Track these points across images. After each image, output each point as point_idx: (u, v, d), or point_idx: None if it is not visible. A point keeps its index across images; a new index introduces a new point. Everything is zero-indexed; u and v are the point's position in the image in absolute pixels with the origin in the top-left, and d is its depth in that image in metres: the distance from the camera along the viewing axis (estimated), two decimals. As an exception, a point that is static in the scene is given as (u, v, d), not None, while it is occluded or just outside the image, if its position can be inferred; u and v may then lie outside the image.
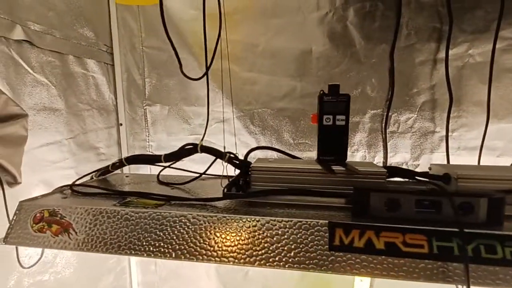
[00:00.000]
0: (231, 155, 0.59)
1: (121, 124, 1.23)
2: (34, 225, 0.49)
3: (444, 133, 1.02)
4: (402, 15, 0.99)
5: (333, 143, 0.55)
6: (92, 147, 1.11)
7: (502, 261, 0.38)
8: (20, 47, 0.83)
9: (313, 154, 1.13)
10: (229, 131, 1.16)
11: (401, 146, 1.07)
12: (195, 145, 0.62)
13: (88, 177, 0.81)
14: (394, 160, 1.09)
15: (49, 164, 0.94)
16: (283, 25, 1.07)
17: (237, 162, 0.59)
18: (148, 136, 1.25)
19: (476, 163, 0.98)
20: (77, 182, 0.67)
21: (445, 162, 1.03)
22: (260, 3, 1.07)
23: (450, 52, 0.97)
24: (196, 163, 0.88)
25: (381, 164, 1.09)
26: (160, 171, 0.74)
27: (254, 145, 1.16)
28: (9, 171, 0.76)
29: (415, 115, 1.04)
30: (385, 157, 1.08)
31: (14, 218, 0.52)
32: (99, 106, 1.14)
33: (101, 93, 1.15)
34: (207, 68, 0.62)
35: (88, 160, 1.10)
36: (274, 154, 1.09)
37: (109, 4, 1.15)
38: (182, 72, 0.60)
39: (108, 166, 0.72)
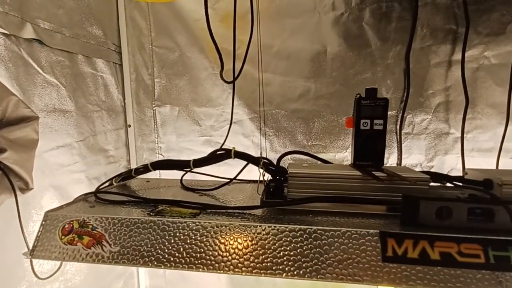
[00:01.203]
0: (266, 161, 0.57)
1: (129, 126, 1.20)
2: (63, 237, 0.46)
3: (458, 134, 1.02)
4: (418, 17, 0.98)
5: (370, 148, 0.53)
6: (101, 150, 1.08)
7: (560, 270, 0.37)
8: (30, 46, 0.79)
9: (327, 156, 1.12)
10: (243, 132, 1.14)
11: (415, 148, 1.07)
12: (228, 150, 0.60)
13: (106, 183, 0.78)
14: (409, 161, 1.09)
15: (59, 168, 0.91)
16: (298, 25, 1.05)
17: (273, 168, 0.57)
18: (157, 138, 1.22)
19: (490, 165, 0.99)
20: (98, 187, 0.64)
21: (459, 164, 1.04)
22: (275, 4, 1.05)
23: (466, 54, 0.97)
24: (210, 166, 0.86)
25: (395, 165, 1.09)
26: (183, 176, 0.71)
27: (268, 146, 1.14)
28: (21, 176, 0.73)
29: (430, 117, 1.04)
30: (400, 159, 1.08)
31: (41, 229, 0.49)
32: (108, 107, 1.10)
33: (110, 94, 1.11)
34: (238, 74, 0.60)
35: (98, 163, 1.06)
36: (291, 157, 1.07)
37: (117, 2, 1.11)
38: (221, 75, 0.57)
39: (130, 170, 0.69)
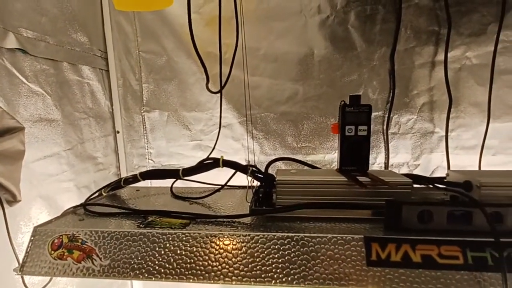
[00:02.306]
0: (254, 169, 0.58)
1: (118, 132, 1.19)
2: (52, 252, 0.46)
3: (442, 133, 1.05)
4: (402, 19, 1.00)
5: (355, 153, 0.55)
6: (90, 157, 1.07)
7: (534, 268, 0.39)
8: (13, 56, 0.78)
9: (317, 158, 1.13)
10: (232, 136, 1.15)
11: (402, 147, 1.10)
12: (216, 159, 0.60)
13: (95, 193, 0.77)
14: (396, 160, 1.11)
15: (47, 178, 0.90)
16: (285, 28, 1.06)
17: (261, 176, 0.58)
18: (147, 143, 1.21)
19: (473, 162, 1.02)
20: (87, 199, 0.63)
21: (444, 162, 1.07)
22: (262, 7, 1.05)
23: (448, 54, 0.99)
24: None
25: (383, 166, 1.12)
26: (173, 184, 0.71)
27: (258, 150, 1.15)
28: (8, 189, 0.72)
29: (415, 116, 1.07)
30: (387, 158, 1.11)
31: (30, 245, 0.48)
32: (95, 114, 1.09)
33: (97, 100, 1.10)
34: (225, 82, 0.61)
35: (87, 171, 1.05)
36: (280, 163, 1.08)
37: (102, 8, 1.10)
38: (207, 87, 0.57)
39: (119, 180, 0.69)
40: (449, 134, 1.04)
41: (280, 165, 1.09)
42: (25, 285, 0.66)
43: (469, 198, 0.45)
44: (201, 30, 1.07)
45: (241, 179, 0.79)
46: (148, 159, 1.22)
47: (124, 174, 1.19)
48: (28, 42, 0.82)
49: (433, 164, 1.09)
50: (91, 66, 1.06)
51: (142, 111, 1.18)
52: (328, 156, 1.12)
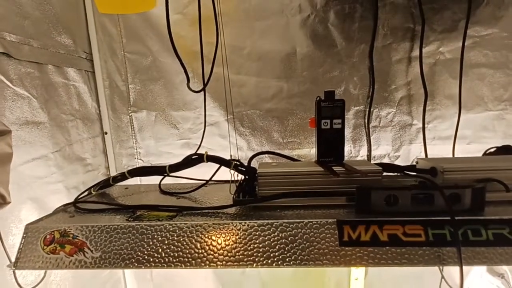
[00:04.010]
0: (237, 163, 0.61)
1: (106, 133, 1.20)
2: (45, 247, 0.49)
3: (420, 125, 1.11)
4: (379, 17, 1.05)
5: (331, 145, 0.59)
6: (78, 159, 1.08)
7: (486, 242, 0.44)
8: (-4, 60, 0.79)
9: (303, 152, 1.18)
10: (219, 134, 1.18)
11: (383, 139, 1.15)
12: (200, 155, 0.63)
13: (85, 192, 0.79)
14: (377, 152, 1.16)
15: (36, 180, 0.90)
16: (268, 27, 1.09)
17: (243, 169, 0.61)
18: (135, 143, 1.23)
19: (450, 151, 1.08)
20: (77, 197, 0.65)
21: (423, 152, 1.12)
22: (243, 7, 1.08)
23: (423, 50, 1.04)
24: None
25: (365, 158, 1.17)
26: (161, 180, 0.74)
27: (245, 146, 1.18)
28: (-3, 191, 0.73)
29: (394, 110, 1.12)
30: (369, 150, 1.16)
31: (22, 242, 0.50)
32: (83, 115, 1.10)
33: (84, 102, 1.11)
34: (207, 81, 0.63)
35: (75, 172, 1.06)
36: (263, 156, 1.12)
37: (85, 10, 1.11)
38: (188, 87, 0.60)
39: (108, 179, 0.71)
40: (426, 125, 1.10)
41: (267, 159, 1.12)
42: (18, 284, 0.68)
43: (430, 182, 0.49)
44: (187, 29, 1.09)
45: (228, 174, 0.83)
46: (137, 158, 1.24)
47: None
48: (12, 46, 0.82)
49: (413, 155, 1.15)
50: (76, 68, 1.07)
51: (129, 111, 1.20)
52: (314, 150, 1.16)
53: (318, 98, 0.60)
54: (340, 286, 1.24)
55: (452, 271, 1.09)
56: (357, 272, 0.81)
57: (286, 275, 1.29)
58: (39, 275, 0.84)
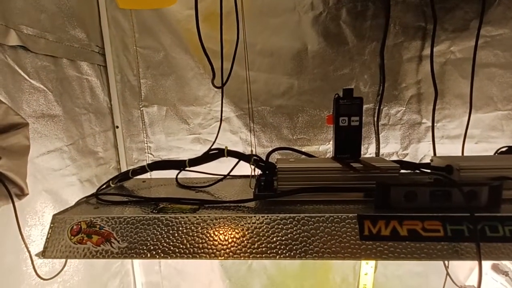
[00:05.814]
0: (256, 158, 0.63)
1: (117, 127, 1.21)
2: (72, 237, 0.50)
3: (429, 124, 1.12)
4: (391, 15, 1.05)
5: (348, 142, 0.60)
6: (91, 152, 1.09)
7: (503, 238, 0.45)
8: (15, 53, 0.80)
9: (311, 149, 1.19)
10: (230, 129, 1.19)
11: (392, 137, 1.16)
12: (221, 149, 0.65)
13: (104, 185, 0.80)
14: (386, 150, 1.17)
15: (51, 172, 0.92)
16: (280, 24, 1.10)
17: (263, 164, 0.62)
18: (146, 138, 1.24)
19: (458, 150, 1.09)
20: (98, 189, 0.67)
21: (431, 150, 1.14)
22: (257, 4, 1.09)
23: (434, 49, 1.05)
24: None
25: (374, 155, 1.18)
26: (177, 174, 0.75)
27: (255, 142, 1.19)
28: (16, 183, 0.74)
29: (404, 108, 1.13)
30: (378, 148, 1.17)
31: (50, 232, 0.52)
32: (95, 109, 1.11)
33: (96, 96, 1.12)
34: (227, 78, 0.64)
35: (89, 165, 1.08)
36: (278, 152, 1.13)
37: (98, 3, 1.11)
38: (212, 83, 0.61)
39: (127, 172, 0.72)
40: (435, 124, 1.11)
41: (276, 156, 1.13)
42: (37, 273, 0.69)
43: (448, 179, 0.50)
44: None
45: (240, 170, 0.84)
46: (148, 153, 1.25)
47: (124, 169, 1.22)
48: (29, 39, 0.83)
49: (421, 153, 1.16)
50: (89, 62, 1.07)
51: (140, 106, 1.21)
52: (323, 147, 1.17)
53: (337, 95, 0.61)
54: (345, 282, 1.26)
55: (456, 268, 1.11)
56: (367, 268, 0.83)
57: (292, 270, 1.31)
58: (53, 266, 0.86)
